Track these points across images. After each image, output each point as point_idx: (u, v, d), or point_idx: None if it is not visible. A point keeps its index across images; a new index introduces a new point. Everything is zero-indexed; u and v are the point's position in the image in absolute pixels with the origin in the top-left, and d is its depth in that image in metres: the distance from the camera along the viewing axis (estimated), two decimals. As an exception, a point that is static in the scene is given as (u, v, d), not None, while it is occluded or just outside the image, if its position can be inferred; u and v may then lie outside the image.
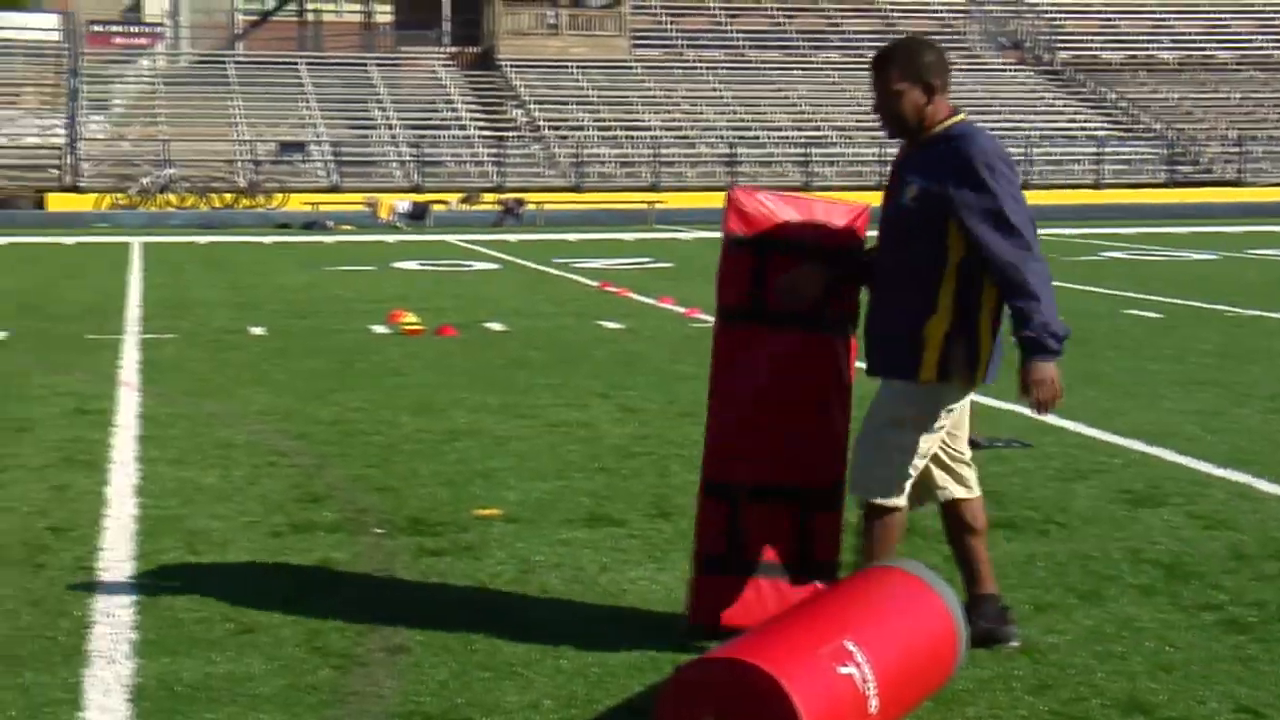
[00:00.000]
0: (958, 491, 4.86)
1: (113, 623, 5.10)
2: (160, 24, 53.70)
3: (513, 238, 28.38)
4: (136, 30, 53.05)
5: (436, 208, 34.30)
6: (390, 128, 44.81)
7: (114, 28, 51.93)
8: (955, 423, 4.78)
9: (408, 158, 43.08)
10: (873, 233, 4.75)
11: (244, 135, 43.13)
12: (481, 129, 45.06)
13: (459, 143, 44.48)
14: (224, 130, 43.56)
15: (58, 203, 38.25)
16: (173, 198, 39.05)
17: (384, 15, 57.88)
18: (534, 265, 21.81)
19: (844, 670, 3.83)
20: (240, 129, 43.52)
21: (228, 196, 39.32)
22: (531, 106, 46.14)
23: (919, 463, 4.69)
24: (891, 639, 4.09)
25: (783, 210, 4.87)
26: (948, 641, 4.31)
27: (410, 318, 14.09)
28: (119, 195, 38.78)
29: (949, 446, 4.82)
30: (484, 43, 50.04)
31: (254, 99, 44.93)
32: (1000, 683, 4.55)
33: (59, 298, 16.51)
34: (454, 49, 50.55)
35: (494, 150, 43.49)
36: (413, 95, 47.08)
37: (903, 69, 4.62)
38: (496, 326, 13.94)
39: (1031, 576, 5.70)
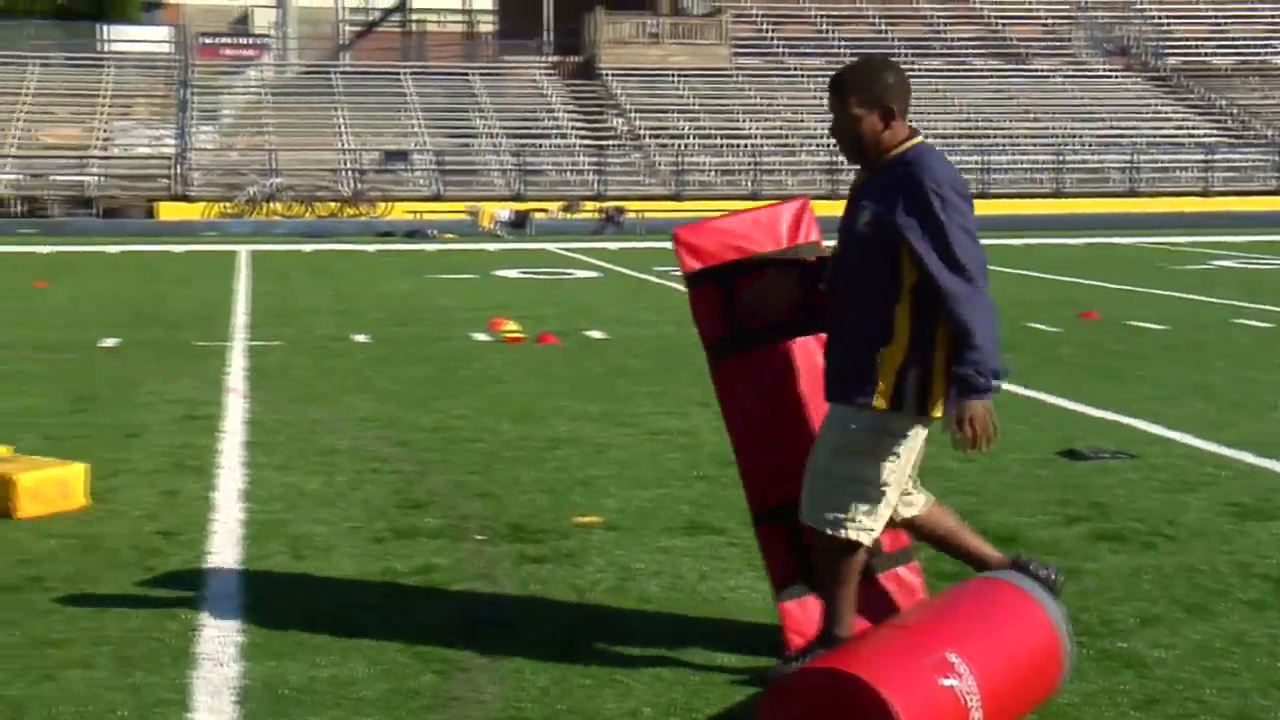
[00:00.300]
0: (906, 511, 4.79)
1: (220, 626, 5.18)
2: (268, 35, 54.49)
3: (613, 245, 28.46)
4: (245, 42, 53.88)
5: (537, 216, 34.47)
6: (492, 136, 45.12)
7: (223, 39, 52.77)
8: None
9: (509, 166, 43.36)
10: (830, 241, 4.72)
11: (348, 144, 43.62)
12: (582, 137, 45.24)
13: (560, 151, 44.68)
14: (329, 140, 44.09)
15: (168, 211, 38.89)
16: (278, 206, 39.56)
17: (486, 25, 58.34)
18: (634, 273, 21.84)
19: (946, 682, 3.80)
20: (345, 138, 44.02)
21: (332, 205, 39.77)
22: (632, 115, 46.26)
23: (887, 494, 4.53)
24: (995, 651, 4.05)
25: (728, 232, 4.88)
26: (1052, 654, 4.26)
27: (511, 325, 14.17)
28: (226, 204, 39.37)
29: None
30: (585, 52, 50.24)
31: (358, 109, 45.43)
32: (1106, 697, 4.49)
33: (169, 305, 16.79)
34: (555, 58, 50.79)
35: (594, 158, 43.65)
36: (514, 104, 47.37)
37: (860, 93, 4.53)
38: (597, 334, 13.98)
39: (1138, 589, 5.62)
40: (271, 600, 5.49)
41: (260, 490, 7.28)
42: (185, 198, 40.07)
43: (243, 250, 26.29)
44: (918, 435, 4.56)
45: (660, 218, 36.48)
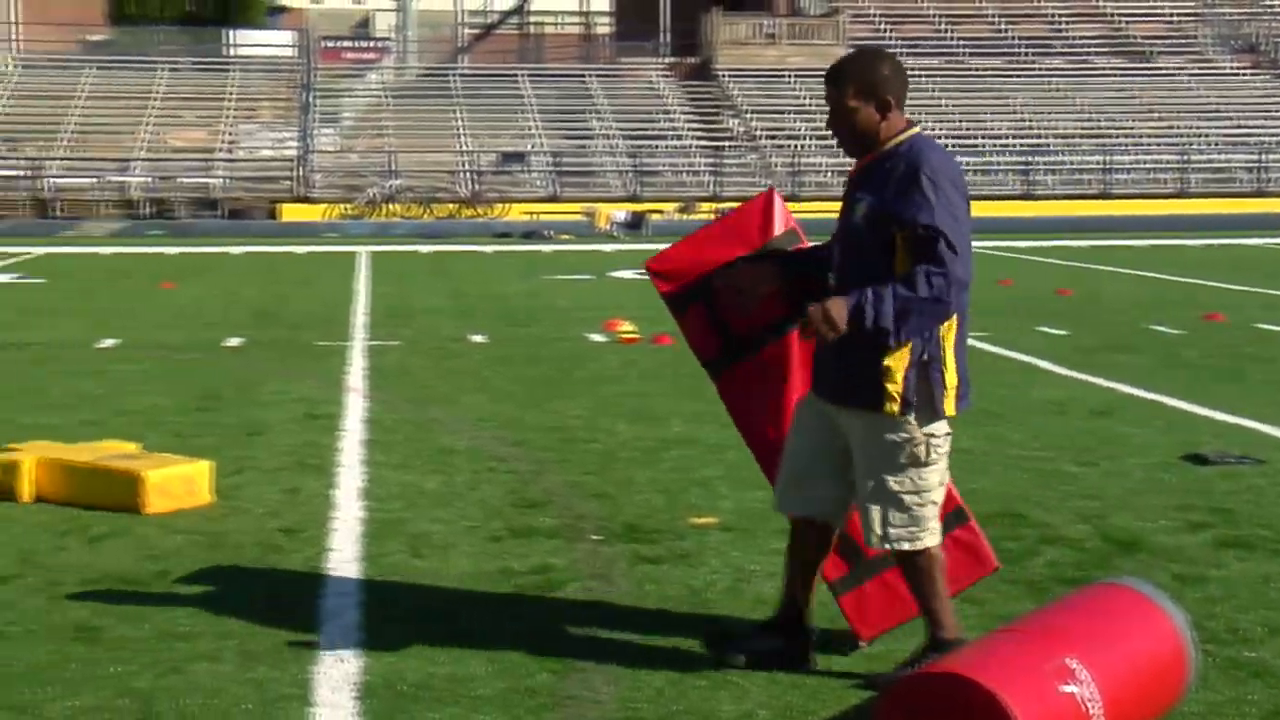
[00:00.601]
0: (838, 522, 4.74)
1: (341, 622, 5.25)
2: (388, 39, 55.18)
3: (729, 247, 28.40)
4: (365, 45, 54.61)
5: (653, 217, 34.52)
6: (608, 138, 45.27)
7: (345, 43, 53.58)
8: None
9: (625, 167, 43.48)
10: (820, 245, 4.72)
11: (466, 146, 44.01)
12: (698, 138, 45.25)
13: (676, 152, 44.71)
14: (447, 141, 44.51)
15: (290, 213, 39.48)
16: (397, 208, 40.01)
17: (603, 27, 58.58)
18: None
19: (1066, 689, 3.75)
20: (463, 140, 44.42)
21: (450, 206, 40.14)
22: (748, 116, 46.20)
23: (938, 496, 4.52)
24: (1117, 658, 3.99)
25: (695, 249, 4.86)
26: (1177, 662, 4.19)
27: (627, 326, 14.20)
28: (347, 205, 39.89)
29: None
30: (702, 53, 50.24)
31: (476, 110, 45.81)
32: (1233, 707, 4.40)
33: (291, 305, 17.04)
34: (672, 59, 50.85)
35: (710, 159, 43.63)
36: (631, 105, 47.49)
37: (857, 85, 4.49)
38: (712, 335, 13.95)
39: (1265, 598, 5.50)
40: (390, 598, 5.56)
41: (379, 489, 7.37)
42: (307, 199, 40.66)
43: (362, 251, 26.63)
44: (948, 433, 4.54)
45: (776, 219, 36.37)
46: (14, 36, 53.23)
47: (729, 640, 4.84)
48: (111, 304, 17.14)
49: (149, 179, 40.84)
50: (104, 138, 43.16)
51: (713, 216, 34.79)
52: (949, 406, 4.47)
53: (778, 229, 4.88)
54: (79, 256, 25.97)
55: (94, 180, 40.51)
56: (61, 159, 41.49)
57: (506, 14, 59.46)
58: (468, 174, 42.75)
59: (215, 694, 4.53)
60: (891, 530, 4.49)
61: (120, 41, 52.49)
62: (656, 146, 44.73)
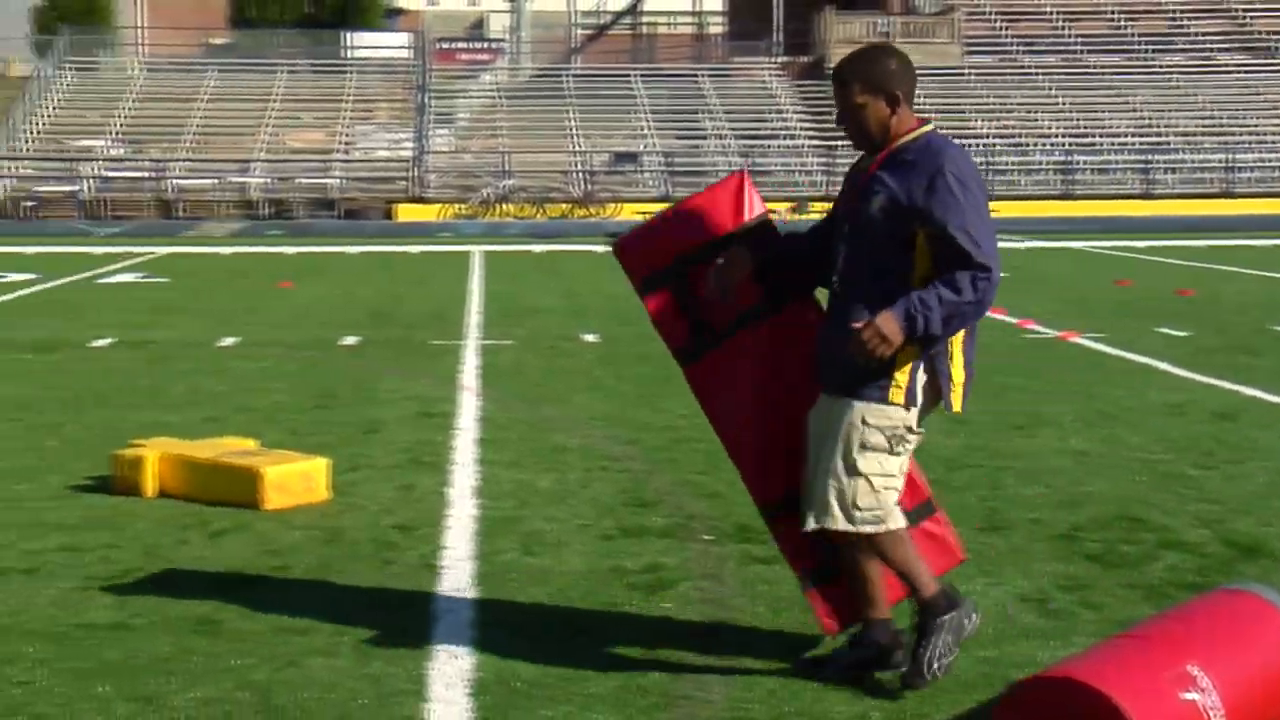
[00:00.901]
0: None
1: (455, 619, 5.30)
2: (502, 40, 55.56)
3: (842, 247, 28.27)
4: (480, 46, 55.02)
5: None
6: (720, 137, 45.23)
7: (459, 44, 54.02)
8: None
9: (737, 167, 43.36)
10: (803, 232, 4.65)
11: (579, 146, 44.21)
12: (810, 137, 45.07)
13: (788, 152, 44.58)
14: (560, 141, 44.74)
15: (405, 213, 39.92)
16: (510, 208, 40.28)
17: (716, 27, 58.53)
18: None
19: (1187, 696, 3.69)
20: (575, 140, 44.63)
21: (563, 206, 40.34)
22: (862, 115, 45.89)
23: (898, 483, 4.50)
24: (1240, 665, 3.91)
25: (666, 232, 4.75)
26: (1302, 671, 4.09)
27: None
28: (461, 205, 40.25)
29: None
30: (814, 52, 50.04)
31: (589, 110, 46.01)
32: (1358, 717, 4.30)
33: (406, 305, 17.22)
34: (784, 59, 50.70)
35: (823, 159, 43.43)
36: (743, 105, 47.42)
37: (864, 80, 4.41)
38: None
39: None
40: (504, 595, 5.59)
41: (492, 487, 7.43)
42: (421, 199, 41.09)
43: (476, 251, 26.84)
44: (922, 429, 4.51)
45: (890, 218, 36.14)
46: (140, 41, 54.34)
47: (824, 662, 4.78)
48: (231, 303, 17.44)
49: (268, 180, 41.50)
50: (225, 139, 43.95)
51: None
52: (955, 402, 4.45)
53: (751, 213, 4.73)
54: (200, 256, 26.45)
55: (215, 181, 41.24)
56: (184, 160, 42.27)
57: (619, 14, 59.62)
58: (580, 174, 42.94)
59: (331, 688, 4.59)
60: (857, 514, 4.45)
61: (241, 45, 53.41)
62: (768, 146, 44.64)
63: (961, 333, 4.43)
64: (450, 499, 7.19)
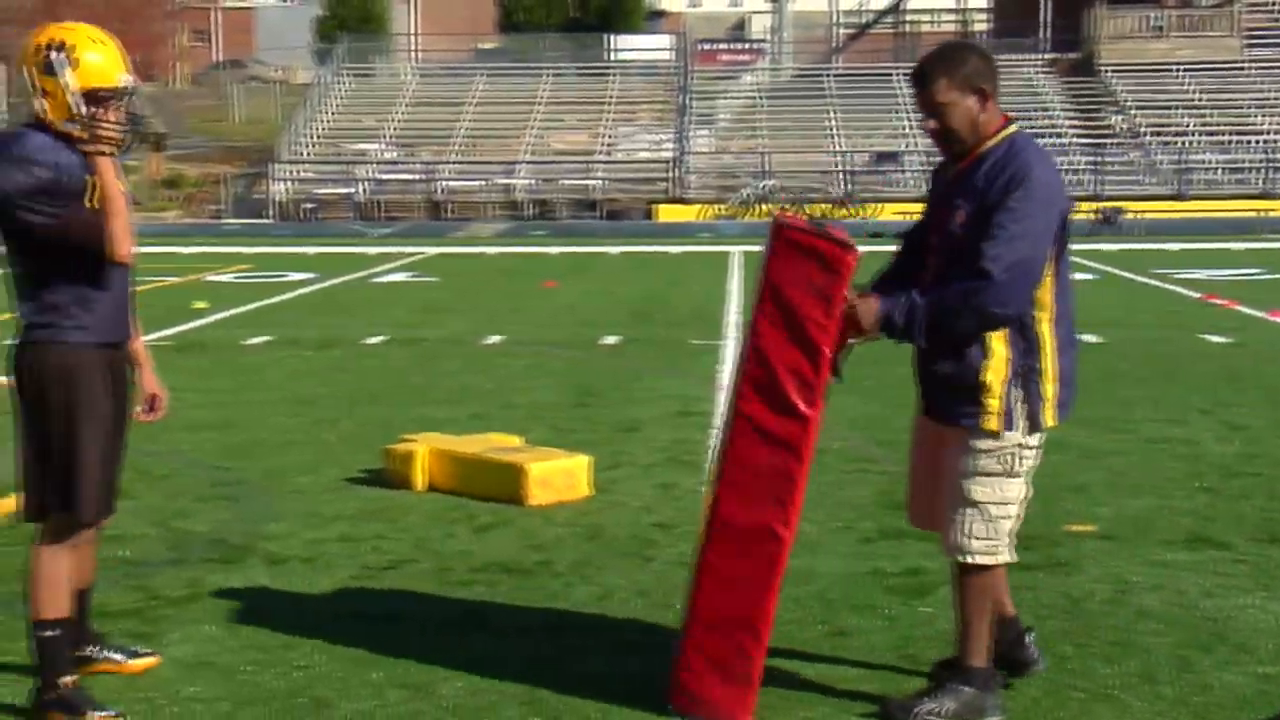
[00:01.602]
0: None
1: (713, 616, 5.32)
2: (764, 40, 55.60)
3: (1109, 247, 27.52)
4: (741, 47, 55.17)
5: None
6: (985, 136, 44.42)
7: (721, 45, 54.26)
8: None
9: (1002, 166, 42.54)
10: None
11: (840, 146, 43.96)
12: (1078, 136, 43.94)
13: (1054, 150, 43.47)
14: (820, 141, 44.55)
15: (665, 214, 40.26)
16: (770, 208, 40.28)
17: (981, 24, 57.55)
18: (1132, 276, 21.06)
19: None
20: (836, 140, 44.38)
21: (823, 206, 40.17)
22: (1132, 112, 44.59)
23: (1017, 510, 4.32)
24: None
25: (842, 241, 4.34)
26: None
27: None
28: (720, 206, 40.40)
29: None
30: (1084, 48, 48.77)
31: (850, 110, 45.69)
32: None
33: (666, 304, 17.38)
34: (1052, 55, 49.55)
35: (1091, 157, 42.29)
36: (1008, 102, 46.24)
37: (949, 78, 4.20)
38: (1091, 338, 13.56)
39: None
40: (762, 594, 5.60)
41: (752, 486, 7.43)
42: (682, 200, 41.37)
43: (735, 251, 26.91)
44: (1039, 446, 4.35)
45: (1160, 219, 35.03)
46: (413, 47, 56.03)
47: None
48: (497, 302, 17.86)
49: (532, 181, 42.32)
50: (492, 142, 44.97)
51: (1093, 217, 33.76)
52: (1048, 417, 4.30)
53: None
54: (467, 256, 27.13)
55: (482, 183, 42.24)
56: (453, 163, 43.42)
57: (881, 13, 59.08)
58: (841, 174, 42.68)
59: (592, 683, 4.67)
60: (972, 542, 4.32)
61: (509, 49, 54.59)
62: (1034, 144, 43.62)
63: (1052, 349, 4.27)
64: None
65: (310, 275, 22.02)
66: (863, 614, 5.37)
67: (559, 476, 7.21)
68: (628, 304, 17.39)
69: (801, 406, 4.27)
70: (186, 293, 19.05)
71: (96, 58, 4.31)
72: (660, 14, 65.95)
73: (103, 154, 4.31)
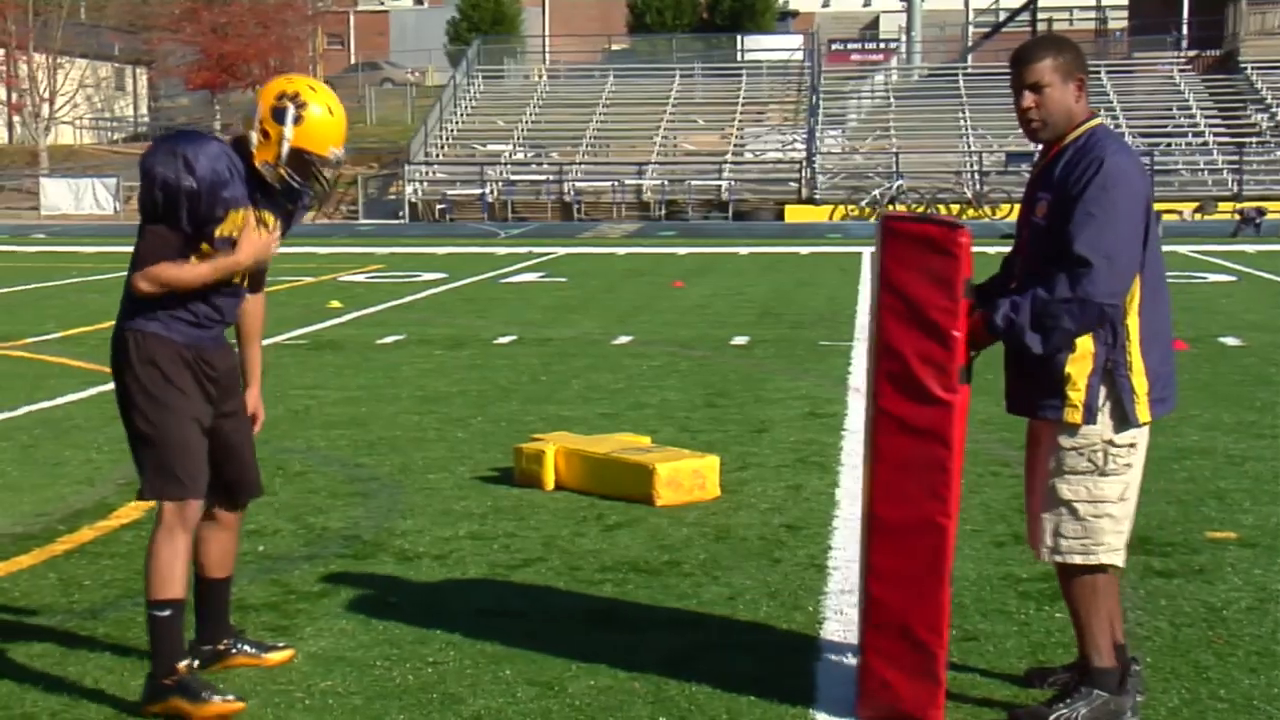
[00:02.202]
0: None
1: (843, 619, 5.29)
2: (895, 40, 55.17)
3: (1251, 248, 26.93)
4: (872, 46, 54.80)
5: (1168, 218, 33.12)
6: (1120, 135, 43.66)
7: (852, 45, 53.94)
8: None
9: (1139, 166, 41.78)
10: None
11: (971, 146, 43.48)
12: (1218, 135, 43.02)
13: (1193, 150, 42.68)
14: (952, 142, 44.09)
15: (794, 214, 40.11)
16: (901, 208, 39.95)
17: (1118, 22, 56.61)
18: (1275, 278, 20.58)
19: None
20: (968, 140, 43.90)
21: (954, 207, 39.76)
22: (1276, 110, 43.56)
23: (1117, 510, 4.18)
24: None
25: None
26: None
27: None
28: (850, 207, 40.17)
29: None
30: (1225, 45, 47.75)
31: (982, 110, 45.16)
32: None
33: (795, 305, 17.31)
34: (1191, 53, 48.58)
35: (1231, 157, 41.39)
36: (1145, 102, 45.69)
37: (1055, 59, 4.18)
38: (1232, 341, 13.28)
39: None
40: (892, 598, 5.55)
41: (882, 489, 7.37)
42: (811, 201, 41.19)
43: (865, 252, 26.72)
44: (1140, 442, 4.22)
45: (1305, 218, 34.18)
46: (544, 49, 56.41)
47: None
48: (626, 302, 17.91)
49: (661, 182, 42.39)
50: (621, 143, 45.13)
51: (1234, 218, 33.02)
52: (1142, 413, 4.18)
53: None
54: (597, 256, 27.26)
55: (611, 183, 42.40)
56: (583, 164, 43.64)
57: (1015, 11, 58.34)
58: (973, 174, 42.21)
59: (721, 683, 4.66)
60: (1062, 541, 4.23)
61: (639, 50, 54.75)
62: (1172, 144, 42.84)
63: (1138, 342, 4.16)
64: (838, 499, 7.19)
65: (441, 275, 22.26)
66: (994, 619, 5.30)
67: (688, 477, 7.21)
68: (757, 304, 17.35)
69: (940, 392, 4.20)
70: (323, 292, 19.37)
71: (320, 124, 4.49)
72: (791, 14, 65.69)
73: (279, 207, 4.58)
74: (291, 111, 4.45)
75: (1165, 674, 4.66)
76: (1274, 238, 30.11)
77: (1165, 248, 26.39)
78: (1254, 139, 42.64)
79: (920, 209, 39.52)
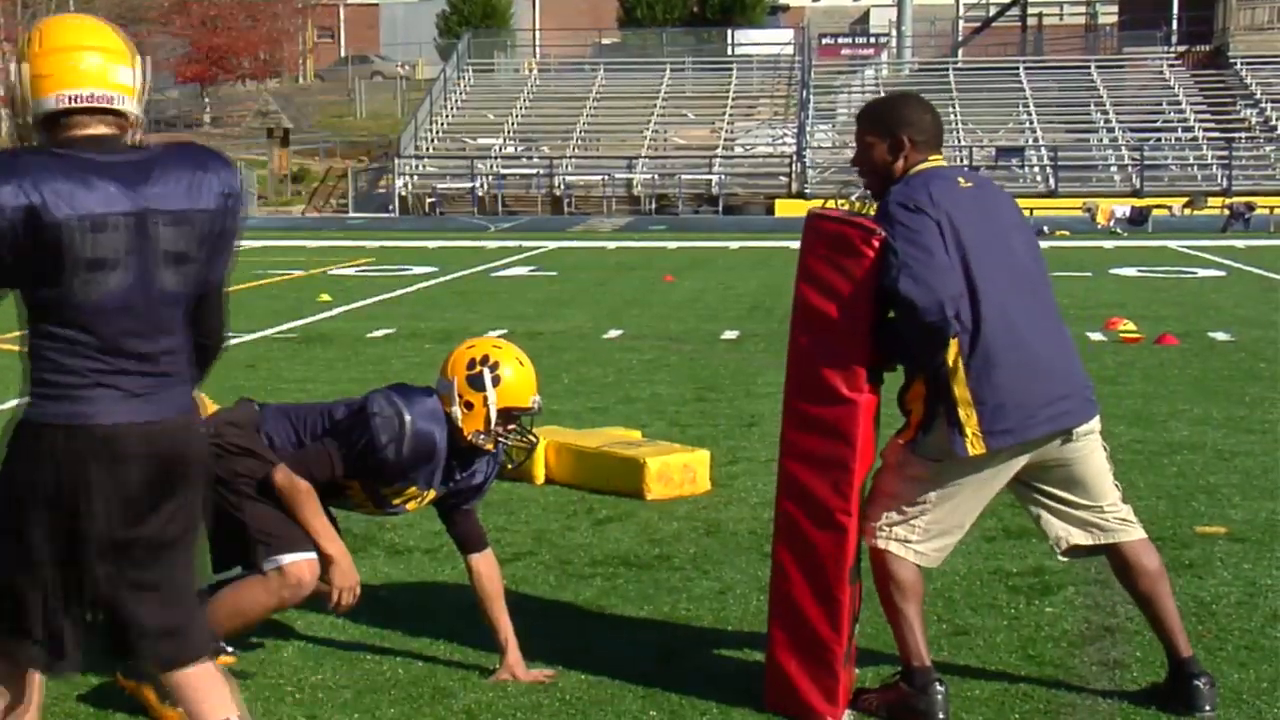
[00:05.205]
0: (1078, 537, 4.43)
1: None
2: (885, 34, 55.19)
3: (1240, 243, 26.97)
4: (862, 41, 54.81)
5: (1157, 212, 33.15)
6: (1110, 131, 43.74)
7: (842, 40, 53.93)
8: (1066, 479, 4.37)
9: (1128, 161, 41.88)
10: None
11: (962, 140, 43.50)
12: (1208, 130, 43.08)
13: (1183, 145, 42.75)
14: (943, 136, 44.11)
15: (785, 208, 40.11)
16: (844, 205, 39.92)
17: (1108, 17, 56.66)
18: (1265, 272, 20.62)
19: None
20: (958, 134, 43.92)
21: (859, 201, 39.77)
22: (1265, 105, 43.64)
23: (925, 520, 4.29)
24: None
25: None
26: None
27: (1128, 325, 13.72)
28: (840, 201, 40.13)
29: (1065, 497, 4.44)
30: (1215, 40, 47.82)
31: (973, 105, 45.23)
32: None
33: (785, 299, 17.23)
34: (1181, 48, 48.65)
35: (1221, 152, 41.45)
36: (1135, 97, 45.74)
37: (872, 122, 4.49)
38: (1221, 336, 13.31)
39: None
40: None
41: (872, 483, 7.38)
42: (802, 195, 41.18)
43: (856, 247, 26.71)
44: (973, 474, 4.28)
45: (1294, 214, 34.25)
46: (535, 43, 56.36)
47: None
48: (616, 296, 17.91)
49: (652, 176, 42.38)
50: (612, 137, 45.12)
51: (1223, 213, 33.08)
52: (968, 446, 4.19)
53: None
54: (587, 250, 27.24)
55: (602, 178, 42.37)
56: (573, 158, 43.61)
57: (1005, 6, 58.36)
58: (963, 168, 42.24)
59: (711, 677, 4.67)
60: (875, 525, 4.39)
61: (629, 44, 54.71)
62: (1162, 139, 42.89)
63: (962, 372, 4.18)
64: (829, 494, 7.18)
65: (431, 269, 22.24)
66: (984, 613, 5.31)
67: (678, 471, 7.21)
68: (747, 299, 17.36)
69: (846, 391, 4.28)
70: (313, 285, 19.34)
71: (517, 379, 4.67)
72: (782, 8, 65.68)
73: (504, 465, 4.84)
74: (489, 375, 4.61)
75: (1155, 667, 4.66)
76: (1263, 233, 30.17)
77: (1154, 243, 26.47)
78: (1243, 134, 42.70)
79: (860, 206, 39.51)
